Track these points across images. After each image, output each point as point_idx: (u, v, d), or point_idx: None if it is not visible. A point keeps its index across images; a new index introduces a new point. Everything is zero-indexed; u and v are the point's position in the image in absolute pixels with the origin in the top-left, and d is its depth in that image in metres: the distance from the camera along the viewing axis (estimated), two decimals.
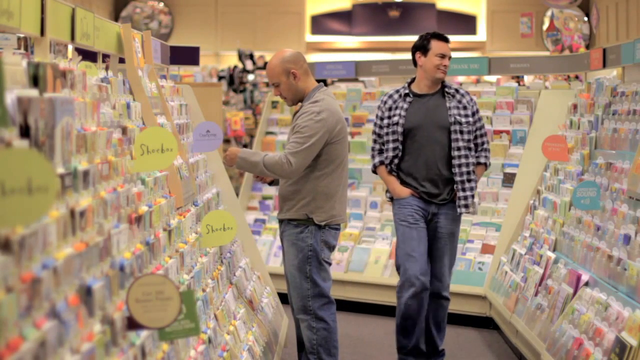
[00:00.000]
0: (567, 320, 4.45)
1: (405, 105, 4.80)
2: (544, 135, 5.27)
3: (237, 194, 7.10)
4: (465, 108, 4.80)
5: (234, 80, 12.70)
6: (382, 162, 4.90)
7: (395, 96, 4.88)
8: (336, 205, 4.26)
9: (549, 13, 13.75)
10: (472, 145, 4.81)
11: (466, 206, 4.82)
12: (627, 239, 4.11)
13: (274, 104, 8.02)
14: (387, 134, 4.83)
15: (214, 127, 4.37)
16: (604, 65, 5.80)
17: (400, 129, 4.77)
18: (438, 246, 4.86)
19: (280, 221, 4.37)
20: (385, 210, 7.06)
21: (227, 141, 11.20)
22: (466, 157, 4.79)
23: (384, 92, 7.69)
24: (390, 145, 4.82)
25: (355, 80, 10.48)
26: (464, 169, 4.78)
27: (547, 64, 7.54)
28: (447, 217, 4.84)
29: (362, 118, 7.57)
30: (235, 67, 13.02)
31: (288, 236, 4.30)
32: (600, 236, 4.49)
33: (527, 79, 10.49)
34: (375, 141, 4.94)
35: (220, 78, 12.75)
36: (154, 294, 2.34)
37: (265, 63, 12.92)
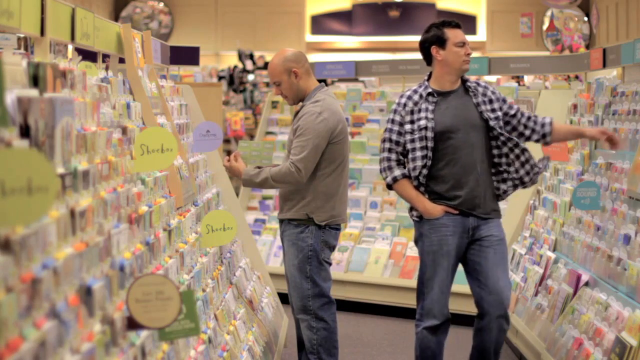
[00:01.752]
0: (567, 320, 4.45)
1: (430, 107, 4.14)
2: None
3: (237, 194, 7.10)
4: (491, 101, 4.22)
5: (234, 80, 12.71)
6: (405, 175, 4.18)
7: (415, 97, 4.20)
8: (336, 205, 4.26)
9: (549, 13, 13.76)
10: (503, 139, 4.15)
11: (502, 194, 4.22)
12: (627, 239, 4.11)
13: (274, 104, 8.02)
14: (412, 140, 4.13)
15: (214, 127, 4.38)
16: (604, 65, 5.80)
17: (430, 134, 4.09)
18: (488, 256, 4.13)
19: (281, 221, 4.37)
20: (385, 210, 7.06)
21: (227, 141, 11.20)
22: (503, 155, 4.18)
23: (384, 92, 7.70)
24: (418, 154, 4.12)
25: (355, 80, 10.49)
26: (501, 168, 4.19)
27: (547, 64, 7.54)
28: (491, 224, 4.17)
29: (362, 118, 7.57)
30: (235, 67, 13.03)
31: (288, 236, 4.30)
32: (600, 236, 4.49)
33: (527, 79, 10.49)
34: (390, 150, 4.20)
35: (220, 78, 12.75)
36: (154, 294, 2.34)
37: (266, 63, 12.94)
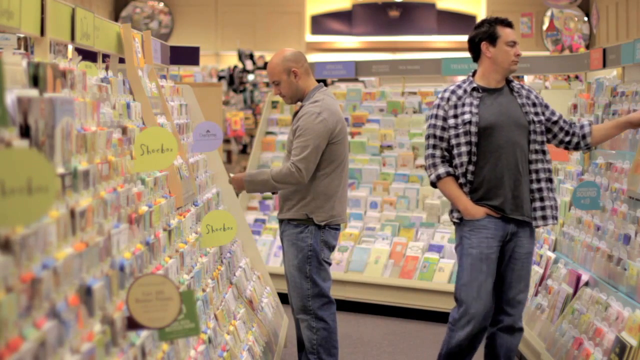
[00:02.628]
0: (567, 320, 4.45)
1: (475, 102, 4.05)
2: None
3: (237, 194, 7.10)
4: (534, 105, 4.14)
5: (234, 80, 12.70)
6: (449, 173, 4.07)
7: (459, 92, 4.10)
8: (336, 205, 4.26)
9: (549, 13, 13.76)
10: (545, 148, 4.12)
11: (544, 218, 4.09)
12: (627, 239, 4.11)
13: (274, 104, 8.02)
14: (456, 135, 4.03)
15: (214, 127, 4.38)
16: (604, 65, 5.80)
17: (474, 129, 3.99)
18: (515, 268, 4.10)
19: (281, 221, 4.38)
20: (385, 210, 7.06)
21: (227, 141, 11.20)
22: (542, 161, 4.09)
23: (384, 92, 7.70)
24: (464, 149, 4.02)
25: (355, 80, 10.50)
26: (542, 175, 4.08)
27: (547, 64, 7.54)
28: (526, 235, 4.10)
29: (362, 118, 7.57)
30: (235, 67, 13.03)
31: (288, 236, 4.30)
32: (600, 236, 4.49)
33: (527, 79, 10.50)
34: (435, 147, 4.09)
35: (220, 78, 12.75)
36: (154, 294, 2.34)
37: (266, 63, 12.94)
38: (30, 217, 1.71)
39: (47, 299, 1.89)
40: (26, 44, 4.04)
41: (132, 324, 2.36)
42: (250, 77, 12.97)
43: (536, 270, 5.24)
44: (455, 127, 4.04)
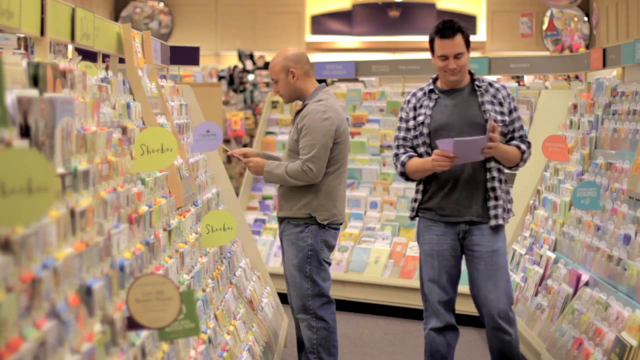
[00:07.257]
0: (567, 320, 4.45)
1: (431, 104, 4.07)
2: (544, 135, 5.27)
3: (237, 194, 7.10)
4: (501, 104, 4.07)
5: (234, 80, 12.69)
6: (411, 156, 4.06)
7: (419, 94, 4.14)
8: (337, 204, 4.28)
9: (548, 13, 13.77)
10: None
11: (496, 217, 4.00)
12: (627, 239, 4.11)
13: (274, 104, 8.02)
14: (416, 137, 4.06)
15: (214, 127, 4.39)
16: (604, 65, 5.80)
17: (426, 130, 4.02)
18: (479, 268, 4.03)
19: (280, 220, 4.38)
20: (385, 210, 7.06)
21: (227, 141, 11.20)
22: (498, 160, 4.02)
23: (384, 92, 7.70)
24: (422, 150, 4.05)
25: (355, 80, 10.49)
26: (495, 174, 4.03)
27: (547, 64, 7.55)
28: (484, 233, 4.02)
29: (362, 118, 7.57)
30: (235, 67, 13.02)
31: (288, 236, 4.30)
32: (600, 236, 4.49)
33: (527, 79, 10.50)
34: (398, 147, 4.12)
35: (220, 78, 12.74)
36: (154, 294, 2.34)
37: (266, 63, 12.94)
38: (30, 217, 1.71)
39: (47, 299, 1.89)
40: (26, 44, 4.05)
41: (132, 324, 2.37)
42: (250, 77, 12.97)
43: (536, 270, 5.24)
44: (415, 128, 4.07)
